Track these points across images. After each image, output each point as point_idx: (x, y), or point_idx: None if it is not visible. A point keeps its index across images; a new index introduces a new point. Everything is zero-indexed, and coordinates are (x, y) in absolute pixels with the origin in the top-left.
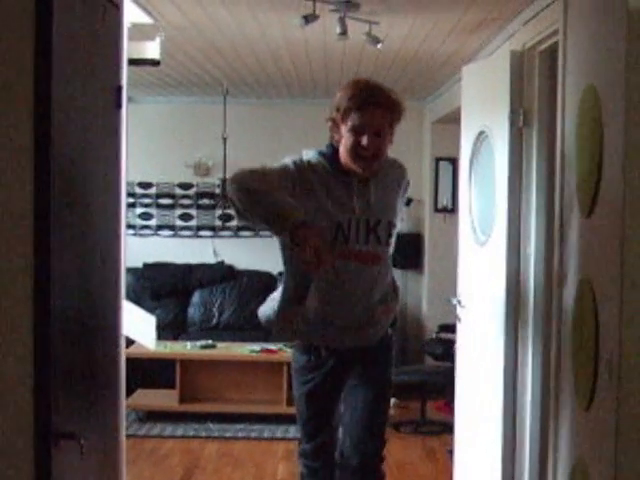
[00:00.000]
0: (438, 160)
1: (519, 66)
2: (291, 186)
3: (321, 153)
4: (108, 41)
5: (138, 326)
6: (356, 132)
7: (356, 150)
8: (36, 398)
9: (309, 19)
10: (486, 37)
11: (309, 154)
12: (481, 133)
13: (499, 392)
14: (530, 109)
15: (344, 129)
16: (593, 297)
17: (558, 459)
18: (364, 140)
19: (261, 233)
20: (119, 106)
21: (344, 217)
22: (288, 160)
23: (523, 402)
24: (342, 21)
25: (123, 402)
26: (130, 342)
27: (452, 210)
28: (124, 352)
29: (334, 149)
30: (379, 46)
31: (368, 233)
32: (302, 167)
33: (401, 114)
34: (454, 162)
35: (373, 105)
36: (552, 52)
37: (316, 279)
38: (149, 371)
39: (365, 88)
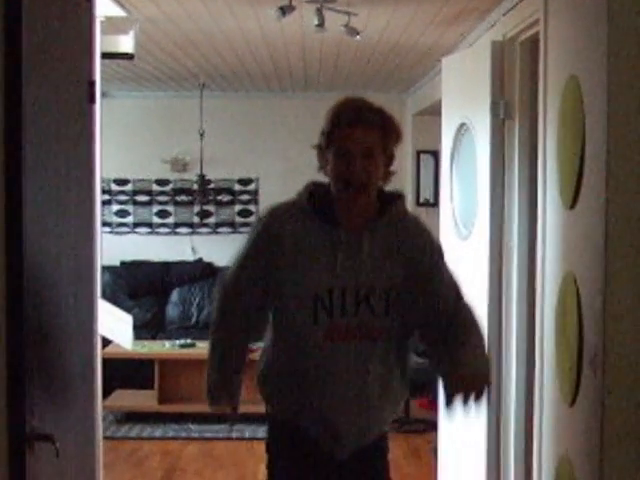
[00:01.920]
0: (419, 153)
1: (500, 57)
2: (261, 270)
3: (310, 193)
4: (80, 35)
5: (114, 325)
6: (342, 155)
7: (343, 176)
8: (10, 399)
9: (286, 10)
10: (466, 28)
11: (298, 196)
12: (462, 125)
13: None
14: (511, 100)
15: (330, 155)
16: (577, 291)
17: (543, 455)
18: (351, 163)
19: (240, 229)
20: (92, 101)
21: (323, 286)
22: (260, 220)
23: (507, 398)
24: (319, 12)
25: (99, 403)
26: (107, 342)
27: (434, 204)
28: (100, 352)
29: (326, 186)
30: (358, 38)
31: (358, 303)
32: (272, 226)
33: (397, 136)
34: (436, 155)
35: (361, 123)
36: (533, 42)
37: (301, 361)
38: (127, 371)
39: (351, 104)
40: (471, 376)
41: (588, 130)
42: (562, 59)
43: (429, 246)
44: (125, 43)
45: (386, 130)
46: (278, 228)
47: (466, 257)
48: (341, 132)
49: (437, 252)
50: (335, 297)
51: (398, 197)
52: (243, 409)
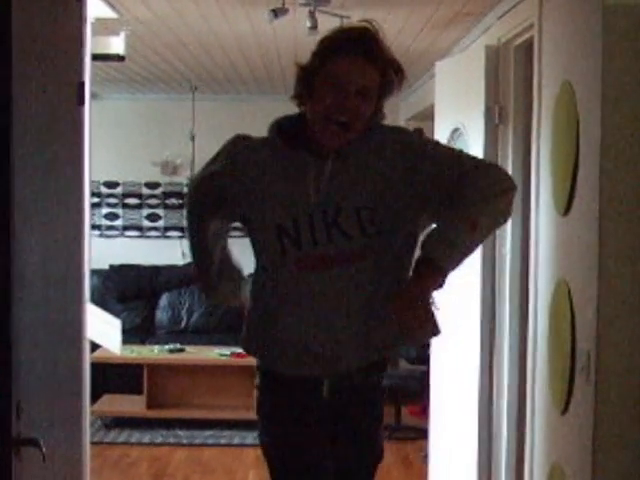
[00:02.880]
0: None
1: (494, 61)
2: (224, 188)
3: (278, 124)
4: (70, 36)
5: (103, 330)
6: (332, 85)
7: (329, 110)
8: None
9: (278, 13)
10: (460, 32)
11: (269, 128)
12: (455, 130)
13: (474, 395)
14: (506, 105)
15: (317, 84)
16: (570, 298)
17: (535, 463)
18: (342, 98)
19: (231, 233)
20: (81, 103)
21: (287, 215)
22: (226, 147)
23: (499, 405)
24: (312, 15)
25: (87, 408)
26: (95, 346)
27: None
28: (89, 357)
29: (299, 118)
30: None
31: (328, 228)
32: (237, 155)
33: (397, 79)
34: None
35: (359, 54)
36: (528, 47)
37: (275, 298)
38: (116, 376)
39: (351, 30)
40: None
41: (582, 136)
42: (556, 64)
43: (407, 147)
44: (116, 44)
45: (386, 70)
46: (247, 155)
47: None
48: (338, 60)
49: (418, 146)
50: (302, 226)
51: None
52: (233, 415)
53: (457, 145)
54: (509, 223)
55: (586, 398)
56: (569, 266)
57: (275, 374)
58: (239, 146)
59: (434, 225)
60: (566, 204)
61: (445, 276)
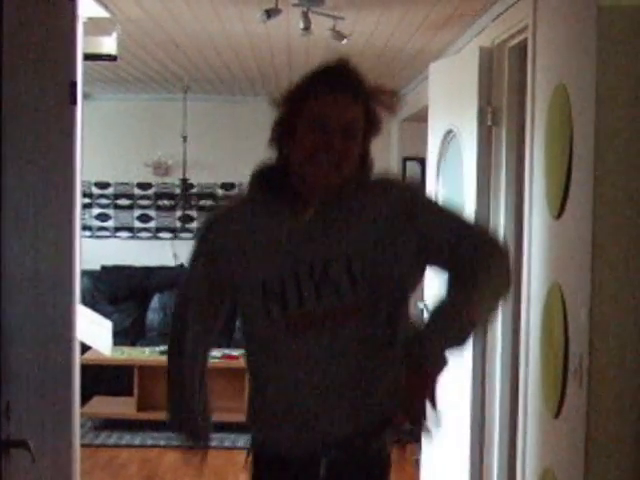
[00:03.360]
0: (406, 160)
1: (488, 63)
2: (213, 284)
3: (259, 176)
4: (62, 35)
5: (93, 331)
6: (315, 126)
7: (315, 152)
8: None
9: (271, 13)
10: (454, 33)
11: (248, 185)
12: (449, 132)
13: (467, 399)
14: (499, 107)
15: (299, 128)
16: (562, 301)
17: (526, 468)
18: (326, 137)
19: None
20: (73, 102)
21: (272, 272)
22: (199, 244)
23: (491, 409)
24: (305, 16)
25: (77, 409)
26: (86, 348)
27: None
28: (79, 358)
29: (280, 167)
30: (344, 42)
31: (316, 284)
32: (214, 244)
33: (379, 121)
34: (422, 162)
35: (340, 91)
36: (522, 48)
37: (264, 366)
38: (106, 378)
39: (327, 68)
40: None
41: (576, 139)
42: (551, 67)
43: (402, 197)
44: (108, 44)
45: (371, 112)
46: (217, 237)
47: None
48: (318, 99)
49: (414, 198)
50: (287, 283)
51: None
52: (224, 418)
53: (451, 148)
54: (502, 224)
55: (578, 402)
56: (562, 269)
57: (269, 453)
58: (212, 233)
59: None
60: (559, 207)
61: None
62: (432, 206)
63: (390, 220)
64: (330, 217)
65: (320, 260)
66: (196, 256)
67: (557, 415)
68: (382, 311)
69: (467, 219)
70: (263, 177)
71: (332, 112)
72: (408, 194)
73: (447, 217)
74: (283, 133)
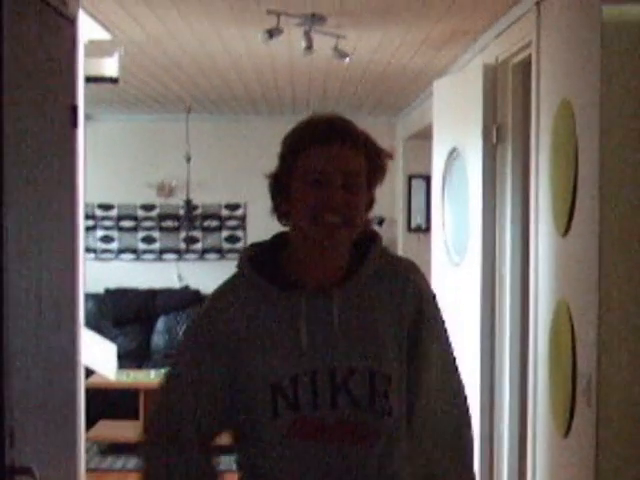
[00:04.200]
0: (411, 178)
1: (492, 80)
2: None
3: (249, 258)
4: (63, 58)
5: (97, 355)
6: (313, 182)
7: (316, 211)
8: None
9: (273, 33)
10: (458, 50)
11: (238, 267)
12: (454, 150)
13: (475, 417)
14: (504, 124)
15: (294, 187)
16: (570, 319)
17: None
18: (327, 193)
19: (227, 255)
20: (74, 126)
21: (284, 372)
22: (188, 330)
23: (500, 429)
24: (307, 35)
25: (82, 434)
26: (90, 372)
27: (426, 229)
28: (83, 382)
29: (281, 239)
30: (346, 61)
31: (334, 392)
32: (203, 329)
33: (382, 163)
34: (428, 180)
35: (336, 140)
36: (526, 65)
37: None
38: (112, 401)
39: (324, 119)
40: None
41: (581, 155)
42: (555, 83)
43: (413, 298)
44: (109, 66)
45: (370, 153)
46: (217, 325)
47: (458, 284)
48: (312, 151)
49: (424, 309)
50: (301, 386)
51: (373, 238)
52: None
53: (456, 165)
54: (508, 243)
55: (588, 421)
56: (569, 287)
57: None
58: (209, 322)
59: None
60: (566, 224)
61: None
62: (433, 330)
63: (404, 324)
64: (353, 312)
65: (345, 368)
66: (186, 351)
67: (566, 434)
68: (397, 440)
69: (456, 378)
70: (253, 257)
71: (329, 163)
72: (420, 296)
73: (439, 358)
74: (279, 197)
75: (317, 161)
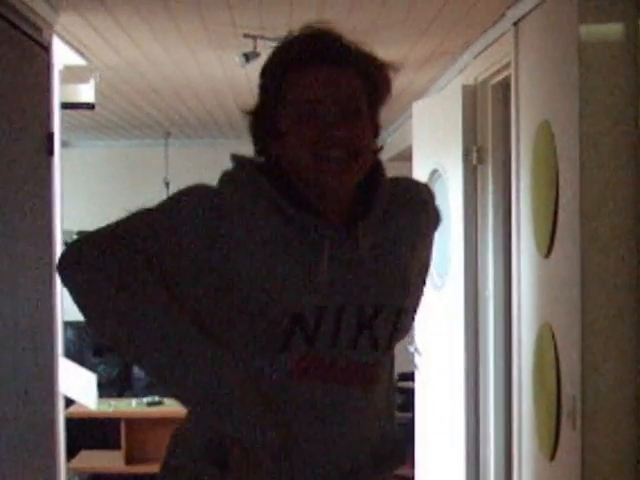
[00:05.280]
0: None
1: (471, 101)
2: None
3: (250, 175)
4: (37, 86)
5: (78, 385)
6: (307, 114)
7: (317, 148)
8: None
9: (250, 57)
10: (436, 71)
11: (227, 184)
12: (434, 172)
13: (461, 443)
14: (484, 145)
15: (285, 120)
16: (554, 341)
17: None
18: (325, 126)
19: None
20: (50, 153)
21: (309, 303)
22: (189, 199)
23: (486, 452)
24: None
25: (63, 465)
26: (71, 401)
27: None
28: (63, 412)
29: (275, 164)
30: None
31: (359, 330)
32: (223, 211)
33: (383, 79)
34: None
35: (323, 60)
36: (505, 85)
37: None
38: (93, 431)
39: (302, 36)
40: None
41: (561, 176)
42: (534, 103)
43: (433, 226)
44: (85, 92)
45: (370, 75)
46: (235, 215)
47: (441, 308)
48: (298, 76)
49: (439, 219)
50: (325, 320)
51: (375, 167)
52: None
53: (437, 187)
54: (491, 264)
55: (573, 444)
56: (552, 309)
57: None
58: (227, 221)
59: None
60: (548, 245)
61: None
62: (430, 251)
63: (423, 252)
64: (368, 236)
65: (372, 306)
66: (173, 218)
67: (552, 458)
68: (389, 379)
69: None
70: (261, 169)
71: (320, 90)
72: (433, 222)
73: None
74: (264, 129)
75: (306, 89)
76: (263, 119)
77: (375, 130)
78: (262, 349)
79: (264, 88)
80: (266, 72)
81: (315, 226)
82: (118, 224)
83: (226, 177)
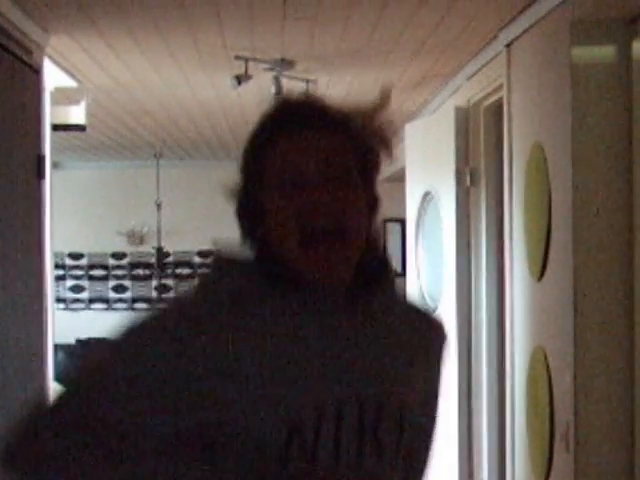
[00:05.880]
0: (386, 221)
1: (464, 123)
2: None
3: (237, 267)
4: (28, 108)
5: None
6: (291, 180)
7: (301, 218)
8: None
9: (242, 79)
10: (429, 93)
11: (203, 293)
12: (427, 194)
13: (453, 464)
14: (477, 167)
15: (266, 198)
16: (547, 365)
17: None
18: (310, 191)
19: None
20: (41, 176)
21: (306, 403)
22: (151, 337)
23: (480, 475)
24: (277, 80)
25: None
26: None
27: (402, 274)
28: None
29: (261, 248)
30: None
31: (361, 437)
32: (192, 340)
33: (382, 141)
34: (403, 223)
35: (308, 125)
36: (498, 107)
37: None
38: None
39: (283, 104)
40: None
41: (554, 198)
42: (527, 126)
43: (442, 349)
44: (76, 114)
45: (362, 141)
46: (204, 347)
47: None
48: (280, 146)
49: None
50: (325, 425)
51: (383, 265)
52: None
53: (429, 209)
54: (484, 287)
55: (566, 468)
56: (545, 332)
57: None
58: (195, 342)
59: None
60: (540, 269)
61: None
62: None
63: (434, 369)
64: (369, 323)
65: (373, 400)
66: (153, 377)
67: None
68: None
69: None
70: (245, 263)
71: (304, 155)
72: (446, 350)
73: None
74: (247, 211)
75: (288, 156)
76: (246, 200)
77: (371, 201)
78: (258, 471)
79: (246, 166)
80: (246, 148)
81: (309, 313)
82: (69, 401)
83: (204, 293)
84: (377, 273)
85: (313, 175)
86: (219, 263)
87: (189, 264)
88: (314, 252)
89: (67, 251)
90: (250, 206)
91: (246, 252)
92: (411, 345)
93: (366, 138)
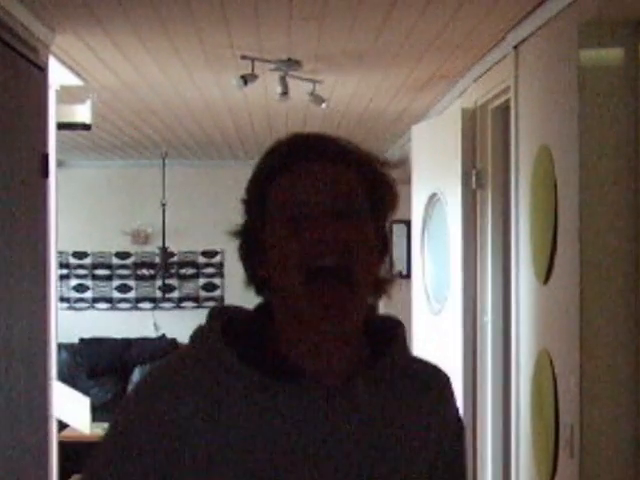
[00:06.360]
0: (392, 223)
1: (471, 124)
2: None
3: (228, 321)
4: (33, 106)
5: (71, 408)
6: (295, 216)
7: (305, 257)
8: None
9: (248, 79)
10: (436, 94)
11: (202, 337)
12: (433, 195)
13: None
14: (483, 169)
15: (268, 235)
16: (552, 368)
17: None
18: (314, 227)
19: (204, 304)
20: (45, 174)
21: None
22: (125, 416)
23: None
24: (283, 80)
25: None
26: (64, 425)
27: (408, 276)
28: (56, 436)
29: (262, 312)
30: (323, 106)
31: None
32: (157, 405)
33: (393, 195)
34: (409, 225)
35: (317, 157)
36: (505, 109)
37: None
38: (86, 455)
39: (291, 138)
40: None
41: (561, 201)
42: (533, 128)
43: (454, 422)
44: (82, 112)
45: (374, 178)
46: (174, 415)
47: (438, 333)
48: (285, 179)
49: (461, 434)
50: None
51: (395, 327)
52: None
53: (436, 211)
54: (489, 289)
55: (571, 473)
56: (550, 336)
57: None
58: (161, 407)
59: None
60: (546, 272)
61: None
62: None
63: (438, 446)
64: (374, 406)
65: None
66: (120, 453)
67: None
68: None
69: None
70: (230, 323)
71: (310, 188)
72: (460, 430)
73: None
74: (250, 250)
75: (293, 189)
76: (248, 238)
77: (381, 242)
78: None
79: (249, 203)
80: (249, 181)
81: (294, 393)
82: None
83: (184, 355)
84: (387, 332)
85: (318, 208)
86: (213, 316)
87: (193, 264)
88: (319, 292)
89: (71, 250)
90: (252, 245)
91: (246, 309)
92: (417, 416)
93: (377, 174)
